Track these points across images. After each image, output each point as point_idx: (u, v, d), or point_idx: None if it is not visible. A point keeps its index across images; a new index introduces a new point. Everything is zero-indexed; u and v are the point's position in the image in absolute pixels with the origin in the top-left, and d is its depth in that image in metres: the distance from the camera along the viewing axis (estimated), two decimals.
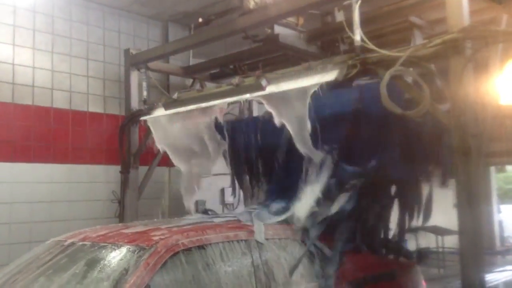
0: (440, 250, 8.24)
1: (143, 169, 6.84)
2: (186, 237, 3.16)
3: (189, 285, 2.96)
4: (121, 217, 6.73)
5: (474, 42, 3.73)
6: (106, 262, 2.97)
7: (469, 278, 3.72)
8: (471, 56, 3.73)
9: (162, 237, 3.12)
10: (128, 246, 3.06)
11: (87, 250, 3.18)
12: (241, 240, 3.39)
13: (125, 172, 6.80)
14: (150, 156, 6.77)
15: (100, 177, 6.92)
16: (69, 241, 3.39)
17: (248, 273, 3.25)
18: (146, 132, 6.48)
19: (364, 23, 4.31)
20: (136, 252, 2.97)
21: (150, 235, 3.21)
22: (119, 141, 6.79)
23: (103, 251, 3.10)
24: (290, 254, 3.64)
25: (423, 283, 4.29)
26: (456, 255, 4.18)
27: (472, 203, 3.72)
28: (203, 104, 5.46)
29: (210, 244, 3.20)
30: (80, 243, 3.31)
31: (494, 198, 10.81)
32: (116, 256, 3.00)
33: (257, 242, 3.45)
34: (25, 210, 6.13)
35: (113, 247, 3.11)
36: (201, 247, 3.15)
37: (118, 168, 6.87)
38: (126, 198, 6.74)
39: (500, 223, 10.63)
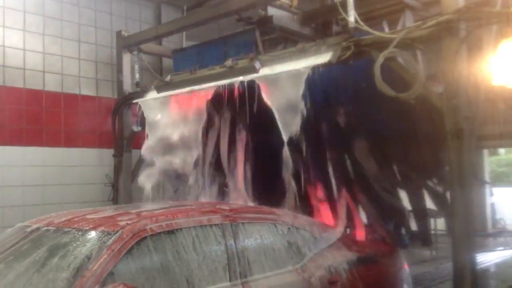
0: (433, 232, 8.30)
1: (136, 152, 6.82)
2: (154, 222, 2.98)
3: (157, 273, 2.80)
4: (115, 200, 6.73)
5: (468, 24, 3.71)
6: (68, 248, 2.81)
7: (460, 259, 3.76)
8: (465, 37, 3.71)
9: (129, 222, 2.94)
10: (93, 232, 2.91)
11: (50, 236, 3.02)
12: (215, 225, 3.19)
13: (118, 155, 6.79)
14: (143, 139, 6.73)
15: (93, 161, 6.90)
16: (34, 226, 3.22)
17: (221, 260, 3.08)
18: (139, 115, 6.43)
19: (358, 4, 4.27)
20: (100, 238, 2.80)
21: (116, 220, 3.04)
22: (112, 124, 6.75)
23: (66, 236, 2.95)
24: (268, 238, 3.42)
25: (405, 266, 4.23)
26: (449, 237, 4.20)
27: (464, 186, 3.74)
28: (196, 87, 5.42)
29: (181, 229, 3.03)
30: (44, 228, 3.14)
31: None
32: (79, 242, 2.85)
33: (232, 226, 3.23)
34: (17, 193, 6.11)
35: (77, 232, 2.95)
36: (171, 232, 2.98)
37: (111, 151, 6.86)
38: (119, 182, 6.74)
39: (492, 205, 10.73)
